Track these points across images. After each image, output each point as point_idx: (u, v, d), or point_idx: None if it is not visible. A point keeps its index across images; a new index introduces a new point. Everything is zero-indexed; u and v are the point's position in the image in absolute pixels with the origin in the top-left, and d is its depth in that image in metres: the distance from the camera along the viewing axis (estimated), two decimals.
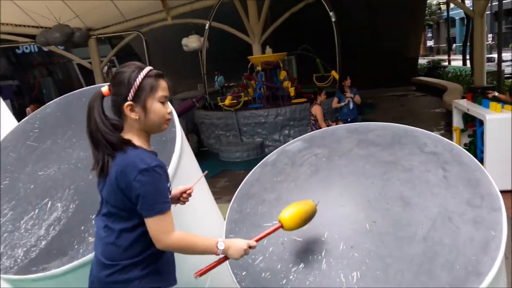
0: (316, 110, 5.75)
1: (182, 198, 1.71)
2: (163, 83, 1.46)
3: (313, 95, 6.00)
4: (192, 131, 9.15)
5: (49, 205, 1.94)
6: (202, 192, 2.41)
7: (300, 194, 1.95)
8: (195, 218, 2.12)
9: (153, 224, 1.38)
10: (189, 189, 1.72)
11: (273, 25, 10.73)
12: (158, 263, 1.49)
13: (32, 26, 11.42)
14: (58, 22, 10.22)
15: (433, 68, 18.19)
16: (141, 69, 1.43)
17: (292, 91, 8.75)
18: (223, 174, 6.99)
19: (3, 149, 2.27)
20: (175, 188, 1.72)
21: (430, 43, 38.36)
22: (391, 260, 1.56)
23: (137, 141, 1.44)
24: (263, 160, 2.18)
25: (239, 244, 1.47)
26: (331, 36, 9.35)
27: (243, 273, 1.69)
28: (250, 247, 1.49)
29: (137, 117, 1.42)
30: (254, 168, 2.14)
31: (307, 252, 1.70)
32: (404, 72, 15.57)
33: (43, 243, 1.80)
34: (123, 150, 1.40)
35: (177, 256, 1.60)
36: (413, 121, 9.20)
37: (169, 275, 1.55)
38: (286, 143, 2.25)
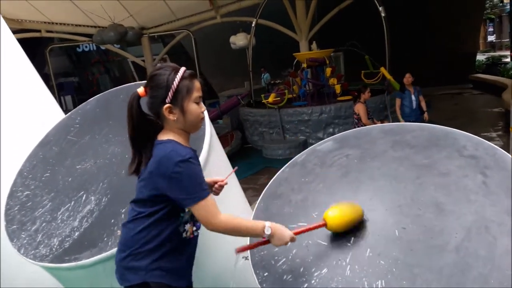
0: (359, 108, 5.58)
1: (215, 188, 1.76)
2: (197, 84, 1.50)
3: (357, 93, 5.82)
4: (237, 128, 9.24)
5: (84, 198, 2.02)
6: (232, 189, 2.41)
7: (327, 196, 1.89)
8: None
9: (198, 211, 1.44)
10: (221, 181, 1.77)
11: (321, 21, 10.55)
12: (172, 261, 1.51)
13: (90, 26, 12.06)
14: (112, 21, 10.72)
15: (493, 64, 17.05)
16: (177, 71, 1.46)
17: (338, 88, 8.59)
18: (265, 171, 7.00)
19: (47, 143, 2.40)
20: (207, 177, 1.76)
21: (491, 38, 35.97)
22: (419, 270, 1.47)
23: (177, 139, 1.49)
24: (292, 160, 2.14)
25: (284, 234, 1.52)
26: (380, 31, 9.04)
27: (265, 274, 1.66)
28: (292, 240, 1.53)
29: (175, 118, 1.46)
30: (283, 167, 2.10)
31: (331, 257, 1.64)
32: (460, 68, 14.72)
33: (76, 234, 1.88)
34: (160, 144, 1.47)
35: (201, 257, 1.64)
36: (467, 121, 8.69)
37: (182, 277, 1.56)
38: (317, 143, 2.20)
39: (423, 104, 6.08)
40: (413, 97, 5.98)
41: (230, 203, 2.31)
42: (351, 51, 10.70)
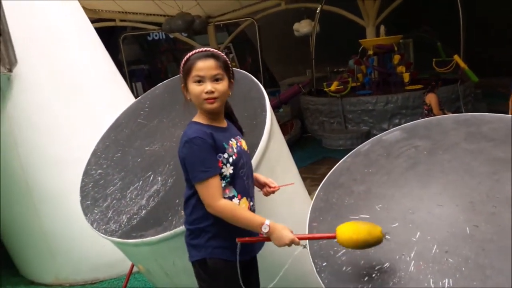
0: (431, 98, 5.27)
1: (266, 190, 1.79)
2: (200, 64, 1.50)
3: (434, 82, 5.43)
4: (297, 117, 9.16)
5: (151, 178, 2.12)
6: (292, 176, 2.40)
7: (392, 189, 1.82)
8: (281, 201, 2.12)
9: (199, 190, 1.51)
10: (274, 186, 1.78)
11: (390, 6, 10.05)
12: (226, 238, 1.56)
13: (160, 15, 12.50)
14: (180, 10, 11.03)
15: None
16: (189, 53, 1.57)
17: (406, 77, 8.17)
18: (324, 161, 6.89)
19: (118, 125, 2.54)
20: (261, 175, 1.81)
21: None
22: (492, 272, 1.36)
23: (197, 118, 1.59)
24: (355, 149, 2.07)
25: (284, 234, 1.48)
26: (456, 15, 8.43)
27: (323, 264, 1.64)
28: (293, 242, 1.49)
29: (189, 98, 1.57)
30: (345, 157, 2.05)
31: (395, 251, 1.58)
32: None
33: (143, 212, 1.98)
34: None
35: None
36: None
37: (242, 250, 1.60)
38: (384, 132, 2.11)
39: None
40: None
41: (289, 191, 2.30)
42: (422, 37, 10.12)
